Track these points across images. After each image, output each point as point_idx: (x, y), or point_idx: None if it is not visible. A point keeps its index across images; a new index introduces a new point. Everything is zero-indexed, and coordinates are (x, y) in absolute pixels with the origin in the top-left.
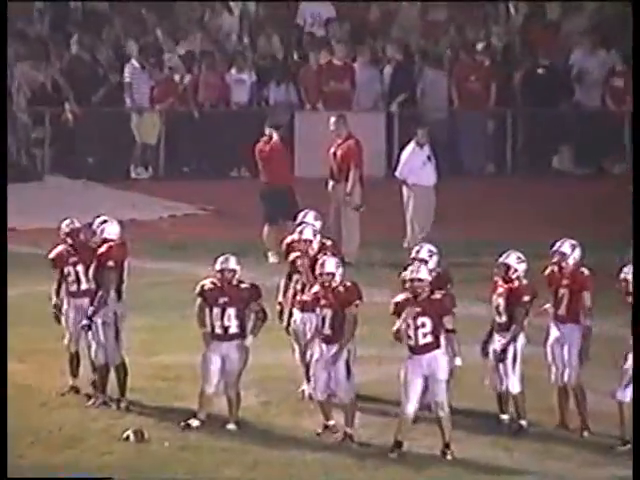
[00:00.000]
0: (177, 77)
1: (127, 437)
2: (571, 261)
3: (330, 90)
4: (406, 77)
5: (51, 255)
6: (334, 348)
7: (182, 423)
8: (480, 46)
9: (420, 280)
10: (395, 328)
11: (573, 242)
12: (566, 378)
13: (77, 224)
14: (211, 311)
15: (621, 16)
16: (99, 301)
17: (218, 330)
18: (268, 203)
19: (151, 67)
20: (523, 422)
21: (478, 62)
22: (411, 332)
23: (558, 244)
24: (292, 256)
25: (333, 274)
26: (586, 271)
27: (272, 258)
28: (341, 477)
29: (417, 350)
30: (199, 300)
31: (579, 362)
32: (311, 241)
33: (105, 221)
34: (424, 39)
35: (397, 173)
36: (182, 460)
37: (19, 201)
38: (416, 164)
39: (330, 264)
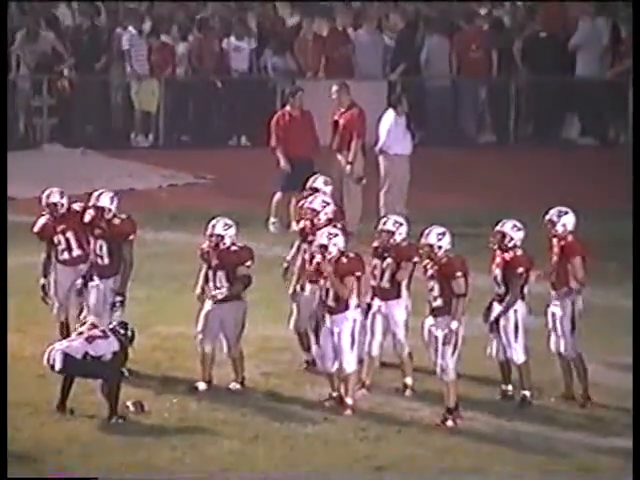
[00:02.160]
0: (177, 45)
1: (127, 408)
2: (560, 229)
3: (332, 58)
4: (409, 45)
5: (35, 228)
6: (338, 319)
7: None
8: (483, 12)
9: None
10: None
11: (562, 209)
12: (562, 347)
13: (56, 196)
14: (206, 274)
15: None
16: (126, 277)
17: (212, 292)
18: (290, 172)
19: (149, 34)
20: (527, 393)
21: (478, 29)
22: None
23: (552, 212)
24: (301, 224)
25: (326, 246)
26: (570, 237)
27: (273, 228)
28: (341, 448)
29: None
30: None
31: (571, 330)
32: (318, 212)
33: (115, 194)
34: (427, 6)
35: (380, 144)
36: (182, 431)
37: (17, 170)
38: (399, 134)
39: (323, 237)
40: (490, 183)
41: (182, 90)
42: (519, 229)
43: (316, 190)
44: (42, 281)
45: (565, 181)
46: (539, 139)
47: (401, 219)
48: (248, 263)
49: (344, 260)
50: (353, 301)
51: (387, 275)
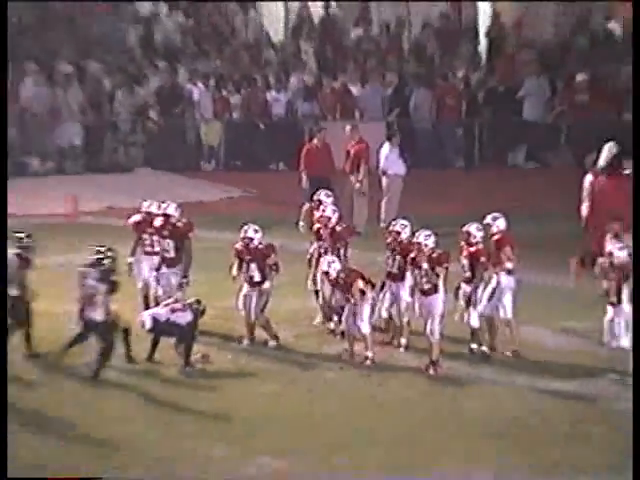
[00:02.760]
0: (233, 97)
1: (197, 360)
2: (494, 229)
3: (345, 105)
4: (401, 95)
5: (130, 221)
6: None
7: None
8: (460, 73)
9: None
10: None
11: (496, 215)
12: (502, 314)
13: (153, 207)
14: (241, 266)
15: (562, 48)
16: (188, 264)
17: (247, 279)
18: (313, 188)
19: (213, 89)
20: (484, 349)
21: (452, 84)
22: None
23: (488, 218)
24: (315, 227)
25: (327, 272)
26: (501, 234)
27: (301, 229)
28: (352, 390)
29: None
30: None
31: (511, 301)
32: (330, 217)
33: (179, 206)
34: (417, 67)
35: (381, 167)
36: (236, 376)
37: (117, 186)
38: (393, 159)
39: (324, 264)
40: (461, 195)
41: (236, 129)
42: (480, 229)
43: (320, 202)
44: (129, 259)
45: (514, 193)
46: (496, 163)
47: (406, 222)
48: (272, 256)
49: (343, 275)
50: (369, 291)
51: (396, 263)
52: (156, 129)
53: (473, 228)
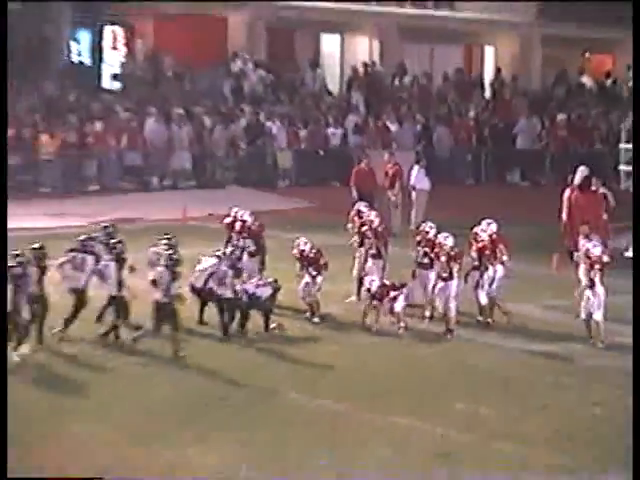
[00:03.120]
0: (301, 131)
1: (274, 328)
2: (489, 231)
3: (385, 138)
4: (427, 131)
5: (225, 221)
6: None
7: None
8: (471, 114)
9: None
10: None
11: (489, 220)
12: (494, 293)
13: (239, 214)
14: (301, 267)
15: (546, 96)
16: (263, 256)
17: (307, 274)
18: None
19: (287, 126)
20: (489, 320)
21: (464, 122)
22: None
23: (483, 223)
24: (363, 229)
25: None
26: (495, 235)
27: (350, 230)
28: (386, 351)
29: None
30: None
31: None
32: (373, 221)
33: (252, 213)
34: (439, 110)
35: (411, 183)
36: (304, 340)
37: (214, 199)
38: (420, 177)
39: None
40: (470, 205)
41: (303, 156)
42: (485, 231)
43: (360, 211)
44: (221, 250)
45: (511, 204)
46: (498, 181)
47: (432, 224)
48: (321, 261)
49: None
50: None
51: (425, 256)
52: (244, 156)
53: (479, 230)
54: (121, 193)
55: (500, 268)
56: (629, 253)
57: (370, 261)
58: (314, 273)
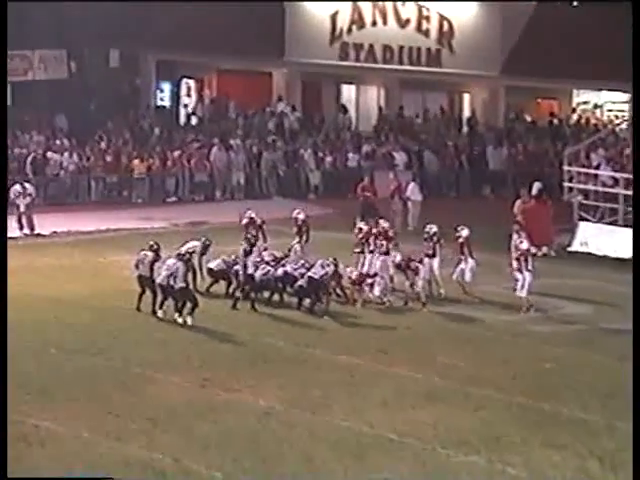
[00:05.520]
0: (327, 157)
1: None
2: (462, 234)
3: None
4: (419, 156)
5: (242, 222)
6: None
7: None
8: (451, 143)
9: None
10: None
11: (462, 226)
12: (467, 278)
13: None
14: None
15: (509, 130)
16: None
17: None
18: (365, 209)
19: (314, 153)
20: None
21: (448, 151)
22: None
23: (459, 228)
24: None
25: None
26: (464, 239)
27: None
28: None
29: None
30: None
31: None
32: (384, 227)
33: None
34: (424, 137)
35: (407, 194)
36: (356, 315)
37: (262, 208)
38: (415, 191)
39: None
40: (454, 212)
41: (328, 175)
42: (464, 229)
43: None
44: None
45: (482, 214)
46: (473, 193)
47: (434, 226)
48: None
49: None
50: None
51: (431, 247)
52: (284, 176)
53: (461, 230)
54: (193, 203)
55: (471, 261)
56: (571, 248)
57: (381, 258)
58: (332, 266)
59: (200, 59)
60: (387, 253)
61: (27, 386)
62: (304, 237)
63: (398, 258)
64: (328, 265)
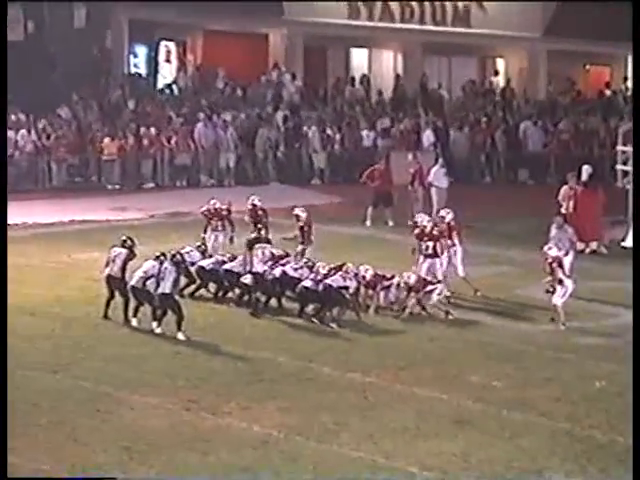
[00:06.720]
0: (335, 134)
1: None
2: (447, 219)
3: (410, 142)
4: (445, 136)
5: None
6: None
7: None
8: (482, 119)
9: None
10: None
11: (447, 210)
12: (460, 272)
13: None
14: None
15: (551, 104)
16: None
17: None
18: (378, 198)
19: (322, 130)
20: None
21: (479, 128)
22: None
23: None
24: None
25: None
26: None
27: (368, 224)
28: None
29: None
30: None
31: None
32: (425, 226)
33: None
34: (455, 116)
35: (430, 180)
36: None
37: (261, 193)
38: (439, 176)
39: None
40: (483, 201)
41: (338, 157)
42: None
43: None
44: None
45: (520, 204)
46: (508, 180)
47: (449, 210)
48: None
49: None
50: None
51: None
52: (283, 157)
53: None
54: (173, 190)
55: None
56: (625, 243)
57: (427, 261)
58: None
59: (182, 19)
60: (434, 255)
61: None
62: (306, 240)
63: (369, 272)
64: (356, 274)
